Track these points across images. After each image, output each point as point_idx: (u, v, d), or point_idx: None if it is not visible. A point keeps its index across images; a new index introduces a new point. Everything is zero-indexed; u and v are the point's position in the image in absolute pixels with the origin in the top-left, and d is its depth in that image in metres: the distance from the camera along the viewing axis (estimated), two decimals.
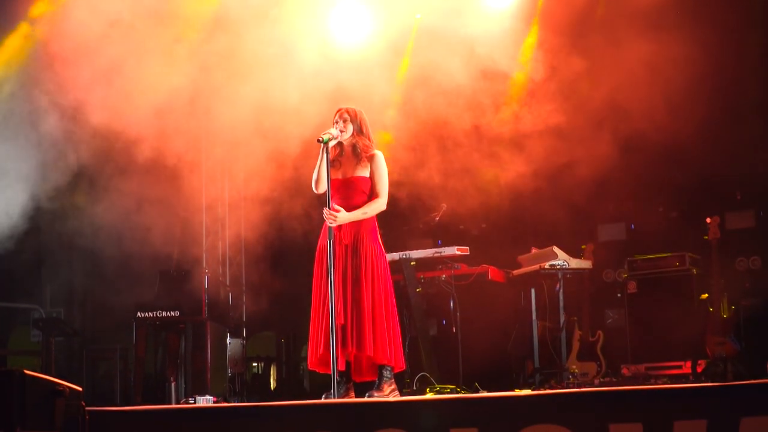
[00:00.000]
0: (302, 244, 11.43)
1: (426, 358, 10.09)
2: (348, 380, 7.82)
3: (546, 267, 10.41)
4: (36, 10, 11.07)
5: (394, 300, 7.85)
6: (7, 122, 10.91)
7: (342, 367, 7.65)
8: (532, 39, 11.25)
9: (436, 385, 9.73)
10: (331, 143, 7.70)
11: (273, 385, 13.91)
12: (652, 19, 10.53)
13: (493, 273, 10.62)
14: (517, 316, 11.11)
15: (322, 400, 7.28)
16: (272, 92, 10.64)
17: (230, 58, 10.82)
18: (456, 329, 10.39)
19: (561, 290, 10.48)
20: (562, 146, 10.78)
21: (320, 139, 7.64)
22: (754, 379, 6.02)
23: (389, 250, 9.09)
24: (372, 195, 7.82)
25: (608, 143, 10.58)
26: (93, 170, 11.45)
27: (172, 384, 11.07)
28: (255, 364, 14.05)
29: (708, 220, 10.26)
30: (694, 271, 10.60)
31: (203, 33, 10.83)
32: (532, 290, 10.81)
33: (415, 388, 9.94)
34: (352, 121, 7.87)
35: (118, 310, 12.63)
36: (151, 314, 11.03)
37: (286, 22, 10.85)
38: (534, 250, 10.93)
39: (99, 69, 10.46)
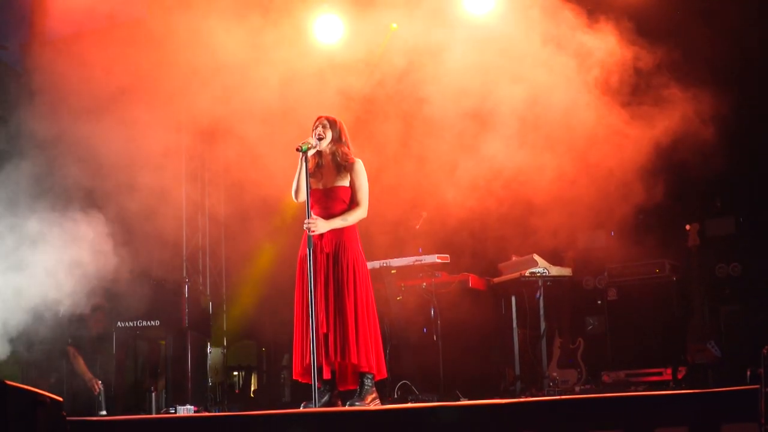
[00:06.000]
0: (282, 252, 11.42)
1: (407, 366, 10.08)
2: (333, 389, 7.79)
3: (526, 274, 10.41)
4: None
5: (375, 308, 7.82)
6: None
7: (327, 376, 7.63)
8: None
9: (418, 394, 9.73)
10: (310, 152, 7.67)
11: (253, 394, 13.87)
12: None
13: (473, 281, 10.62)
14: (498, 324, 11.10)
15: (302, 409, 7.26)
16: (249, 105, 10.69)
17: None
18: (437, 337, 10.38)
19: (541, 297, 10.48)
20: (541, 153, 10.79)
21: (299, 148, 7.60)
22: (735, 386, 6.02)
23: (369, 258, 9.08)
24: (352, 203, 7.78)
25: (586, 151, 10.59)
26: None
27: (153, 394, 10.99)
28: (235, 373, 14.01)
29: (687, 227, 10.28)
30: (674, 278, 10.62)
31: None
32: (513, 298, 10.82)
33: (396, 396, 9.93)
34: (331, 129, 7.82)
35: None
36: (131, 324, 10.97)
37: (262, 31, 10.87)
38: (514, 258, 10.94)
39: None
